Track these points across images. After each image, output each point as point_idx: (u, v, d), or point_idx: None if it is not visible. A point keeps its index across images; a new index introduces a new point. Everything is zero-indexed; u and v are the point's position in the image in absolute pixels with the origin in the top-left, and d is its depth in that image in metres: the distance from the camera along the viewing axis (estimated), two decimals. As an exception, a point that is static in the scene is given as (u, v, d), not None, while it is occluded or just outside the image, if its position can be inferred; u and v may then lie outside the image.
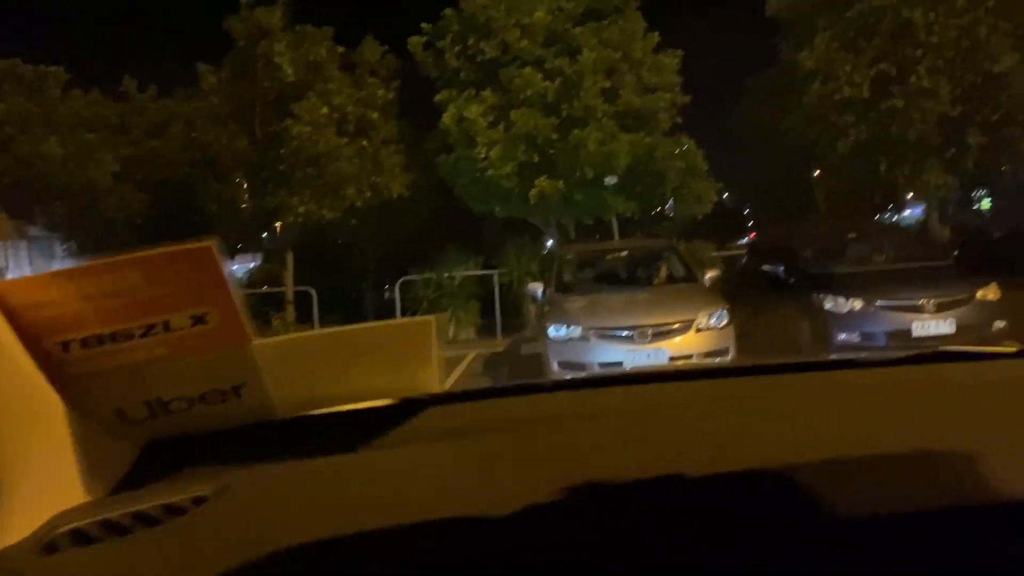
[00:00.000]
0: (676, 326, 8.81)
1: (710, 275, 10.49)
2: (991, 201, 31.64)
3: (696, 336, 8.75)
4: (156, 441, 1.06)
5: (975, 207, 31.48)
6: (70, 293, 0.83)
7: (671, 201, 18.39)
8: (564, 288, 10.47)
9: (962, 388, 1.28)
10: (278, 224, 18.56)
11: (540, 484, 0.90)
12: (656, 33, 15.84)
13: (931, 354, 1.44)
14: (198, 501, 0.92)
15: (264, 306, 16.50)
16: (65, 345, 0.86)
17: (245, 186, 18.90)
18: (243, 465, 1.04)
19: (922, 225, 18.18)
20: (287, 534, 0.83)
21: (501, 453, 1.09)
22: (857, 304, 9.62)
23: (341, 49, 16.62)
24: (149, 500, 0.92)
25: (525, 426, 1.20)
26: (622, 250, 12.41)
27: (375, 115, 16.49)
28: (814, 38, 15.67)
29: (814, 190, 23.42)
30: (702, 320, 8.88)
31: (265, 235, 24.45)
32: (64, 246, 23.84)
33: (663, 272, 11.11)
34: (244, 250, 27.92)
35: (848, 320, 9.59)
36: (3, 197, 14.90)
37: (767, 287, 11.26)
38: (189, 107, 18.06)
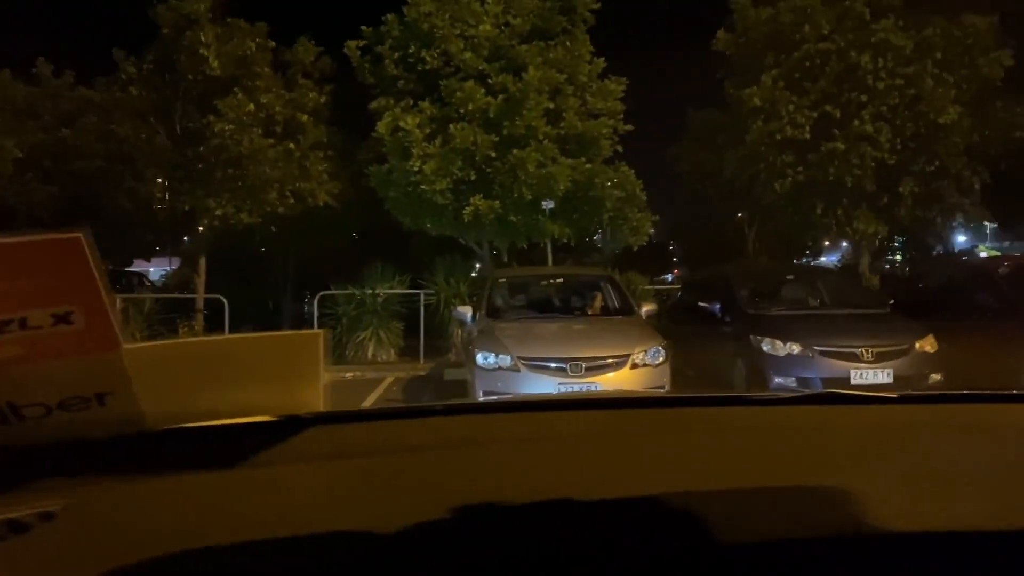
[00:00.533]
0: (611, 361, 8.48)
1: (646, 309, 10.15)
2: (903, 252, 32.67)
3: (631, 372, 8.41)
4: (4, 449, 0.96)
5: (889, 255, 32.44)
6: None
7: (599, 231, 18.08)
8: (495, 313, 10.00)
9: (848, 429, 1.33)
10: (200, 228, 17.52)
11: (417, 508, 0.89)
12: (602, 59, 15.55)
13: (823, 395, 1.46)
14: (45, 517, 0.87)
15: (174, 313, 15.46)
16: None
17: (164, 183, 17.92)
18: (93, 480, 0.96)
19: (852, 270, 18.26)
20: (140, 556, 0.78)
21: (381, 475, 1.06)
22: (795, 348, 9.46)
23: (272, 45, 15.79)
24: None
25: (409, 449, 1.18)
26: (558, 277, 11.94)
27: (305, 118, 15.69)
28: (760, 76, 15.57)
29: (745, 229, 23.56)
30: (638, 356, 8.56)
31: (186, 238, 23.50)
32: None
33: (599, 302, 10.75)
34: (162, 252, 26.84)
35: (785, 363, 9.43)
36: None
37: (702, 324, 11.00)
38: (106, 97, 16.90)
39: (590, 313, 10.52)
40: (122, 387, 0.92)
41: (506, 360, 8.59)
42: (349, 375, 14.51)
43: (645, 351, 8.55)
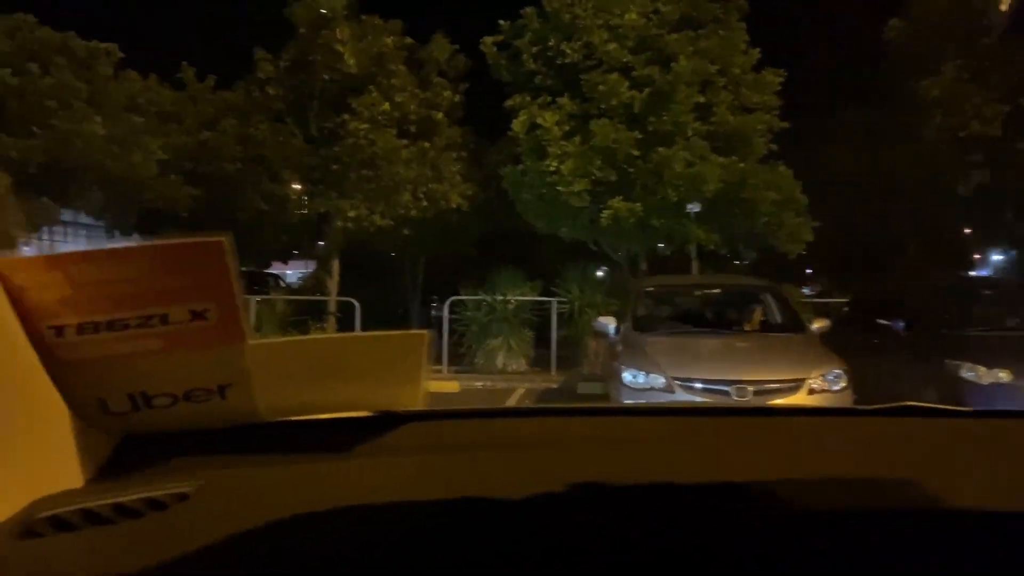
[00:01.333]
0: (783, 385, 7.38)
1: (818, 325, 8.88)
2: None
3: (807, 399, 7.24)
4: (132, 435, 1.05)
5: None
6: (73, 276, 0.82)
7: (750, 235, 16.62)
8: (643, 326, 9.00)
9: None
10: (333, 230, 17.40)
11: (508, 503, 0.95)
12: (757, 50, 14.23)
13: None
14: (180, 497, 0.93)
15: (307, 315, 15.33)
16: (59, 329, 0.85)
17: (298, 187, 17.95)
18: (220, 466, 1.04)
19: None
20: (265, 536, 0.86)
21: (472, 471, 1.11)
22: (1004, 376, 7.94)
23: (409, 41, 15.35)
24: (131, 493, 0.92)
25: (500, 447, 1.24)
26: (712, 287, 10.77)
27: (440, 116, 15.15)
28: (938, 67, 13.83)
29: (906, 237, 21.38)
30: (815, 380, 7.41)
31: (321, 242, 23.75)
32: (109, 234, 23.20)
33: (759, 317, 9.56)
34: (299, 255, 27.31)
35: (990, 393, 7.92)
36: (38, 178, 13.85)
37: (879, 345, 9.61)
38: (245, 99, 17.02)
39: (748, 329, 9.36)
40: (242, 380, 0.98)
41: (658, 380, 7.64)
42: (479, 384, 13.90)
43: (823, 375, 7.37)
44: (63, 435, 0.93)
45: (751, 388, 7.17)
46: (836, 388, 7.32)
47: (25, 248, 14.38)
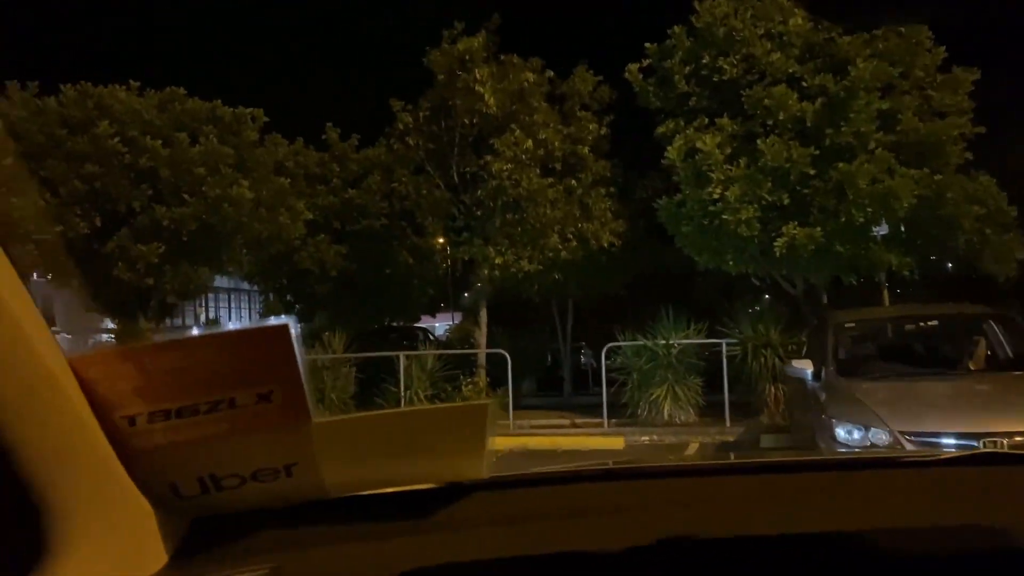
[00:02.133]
0: None
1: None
2: None
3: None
4: (200, 517, 1.07)
5: None
6: (145, 367, 0.86)
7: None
8: (849, 369, 7.63)
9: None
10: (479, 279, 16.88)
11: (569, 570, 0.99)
12: (943, 47, 12.50)
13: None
14: None
15: (457, 369, 14.74)
16: (131, 419, 0.88)
17: (440, 240, 17.60)
18: (292, 545, 1.07)
19: None
20: None
21: (536, 540, 1.13)
22: None
23: (550, 74, 14.61)
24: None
25: (572, 517, 1.22)
26: (924, 318, 9.15)
27: (585, 151, 14.24)
28: None
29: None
30: None
31: (466, 294, 23.44)
32: (261, 298, 23.76)
33: (984, 351, 7.97)
34: (446, 307, 27.19)
35: None
36: (190, 245, 14.04)
37: None
38: (386, 154, 16.91)
39: (974, 367, 7.82)
40: (308, 458, 0.99)
41: (881, 435, 6.43)
42: (645, 439, 12.70)
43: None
44: (139, 521, 0.95)
45: (1006, 440, 5.75)
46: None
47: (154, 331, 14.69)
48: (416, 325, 23.44)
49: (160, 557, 0.98)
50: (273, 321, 0.86)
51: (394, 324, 21.60)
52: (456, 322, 26.06)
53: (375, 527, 1.11)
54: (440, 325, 28.91)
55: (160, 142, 13.68)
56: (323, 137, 19.04)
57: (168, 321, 17.29)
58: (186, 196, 13.72)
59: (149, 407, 0.86)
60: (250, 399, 0.87)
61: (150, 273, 13.96)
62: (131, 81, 14.71)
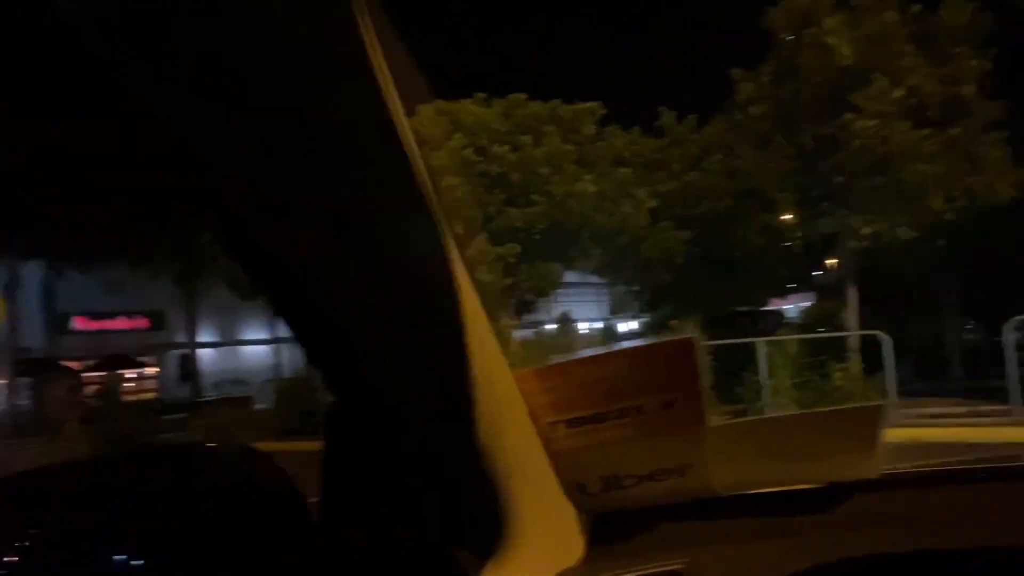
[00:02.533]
0: None
1: None
2: None
3: None
4: (615, 512, 1.11)
5: None
6: (568, 380, 0.98)
7: None
8: None
9: None
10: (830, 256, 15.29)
11: None
12: None
13: None
14: (673, 575, 1.01)
15: (819, 353, 13.40)
16: (553, 425, 1.00)
17: (790, 216, 16.21)
18: (696, 541, 1.07)
19: None
20: None
21: (936, 543, 1.07)
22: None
23: (914, 9, 12.64)
24: (630, 569, 1.01)
25: (967, 519, 1.14)
26: None
27: (970, 91, 12.08)
28: None
29: None
30: None
31: (818, 270, 21.72)
32: (611, 287, 23.99)
33: None
34: (796, 289, 25.45)
35: None
36: (541, 243, 14.47)
37: None
38: (727, 130, 15.99)
39: None
40: (701, 460, 1.04)
41: None
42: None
43: None
44: (564, 518, 1.04)
45: None
46: None
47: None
48: (766, 309, 22.14)
49: (578, 550, 1.05)
50: (676, 336, 0.95)
51: (743, 309, 20.55)
52: (808, 303, 24.22)
53: (769, 524, 1.10)
54: (791, 307, 27.13)
55: (508, 147, 14.27)
56: (655, 124, 18.64)
57: (525, 318, 18.08)
58: (534, 196, 14.15)
59: (569, 414, 0.98)
60: (655, 406, 0.97)
61: (508, 273, 14.61)
62: (477, 93, 15.56)
